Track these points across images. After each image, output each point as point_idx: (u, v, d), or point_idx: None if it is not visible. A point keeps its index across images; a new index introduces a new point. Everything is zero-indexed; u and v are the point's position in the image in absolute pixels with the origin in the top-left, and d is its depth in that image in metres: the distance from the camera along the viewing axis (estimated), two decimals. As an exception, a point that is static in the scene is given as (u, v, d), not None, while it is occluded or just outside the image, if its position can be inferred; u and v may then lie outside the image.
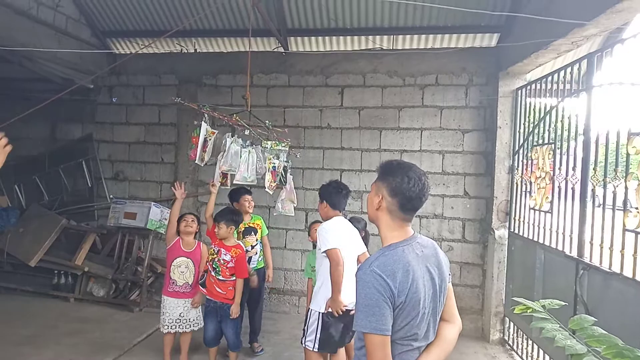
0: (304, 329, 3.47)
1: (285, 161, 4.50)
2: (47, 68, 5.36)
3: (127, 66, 6.22)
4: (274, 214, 4.76)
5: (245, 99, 3.97)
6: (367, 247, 3.97)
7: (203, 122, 3.79)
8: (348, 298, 3.32)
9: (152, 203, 5.90)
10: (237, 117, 3.91)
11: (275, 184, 4.21)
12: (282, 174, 4.41)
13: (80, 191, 6.64)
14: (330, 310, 3.32)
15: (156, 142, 6.38)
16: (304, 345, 3.43)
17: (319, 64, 5.83)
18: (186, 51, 6.24)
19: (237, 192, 4.58)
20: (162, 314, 4.09)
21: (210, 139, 3.85)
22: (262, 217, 4.92)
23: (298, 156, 5.24)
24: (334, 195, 3.51)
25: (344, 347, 3.58)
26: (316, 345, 3.34)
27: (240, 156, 3.87)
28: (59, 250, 5.97)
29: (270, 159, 4.19)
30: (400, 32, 5.68)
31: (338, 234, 3.36)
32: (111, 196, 6.41)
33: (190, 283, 4.08)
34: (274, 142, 4.35)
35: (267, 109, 5.92)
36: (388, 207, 1.76)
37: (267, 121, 4.28)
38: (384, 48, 5.75)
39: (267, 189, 4.16)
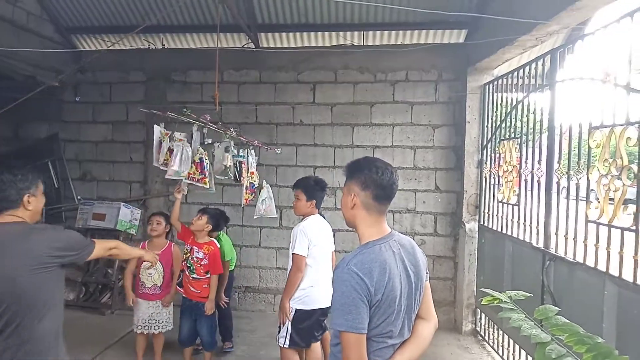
0: (279, 326, 3.49)
1: (240, 155, 4.28)
2: (8, 65, 5.16)
3: (93, 63, 6.03)
4: (254, 217, 4.59)
5: (213, 98, 3.90)
6: None
7: (156, 125, 3.72)
8: (324, 298, 3.35)
9: (122, 203, 5.77)
10: (169, 113, 3.72)
11: (201, 177, 3.90)
12: (236, 169, 4.23)
13: (47, 192, 6.36)
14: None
15: (124, 141, 6.24)
16: (277, 342, 3.46)
17: (290, 60, 5.80)
18: (154, 47, 6.11)
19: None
20: (134, 315, 4.06)
21: (165, 140, 3.77)
22: (227, 239, 4.65)
23: (279, 152, 5.23)
24: (319, 195, 3.56)
25: (319, 342, 3.60)
26: (287, 342, 3.36)
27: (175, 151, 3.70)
28: (25, 253, 5.77)
29: (199, 152, 3.88)
30: (370, 28, 5.71)
31: (313, 237, 3.37)
32: (79, 197, 6.23)
33: (159, 285, 4.01)
34: (225, 135, 4.15)
35: (239, 106, 5.87)
36: (363, 201, 1.77)
37: (184, 109, 3.81)
38: (355, 44, 5.77)
39: (184, 180, 3.87)
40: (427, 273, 1.87)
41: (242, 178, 4.27)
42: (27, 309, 1.94)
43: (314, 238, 3.37)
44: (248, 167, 4.38)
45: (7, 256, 1.92)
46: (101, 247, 2.34)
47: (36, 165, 6.32)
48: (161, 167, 3.81)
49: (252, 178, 4.37)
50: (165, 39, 6.15)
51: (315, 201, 3.52)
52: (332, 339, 1.77)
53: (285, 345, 3.37)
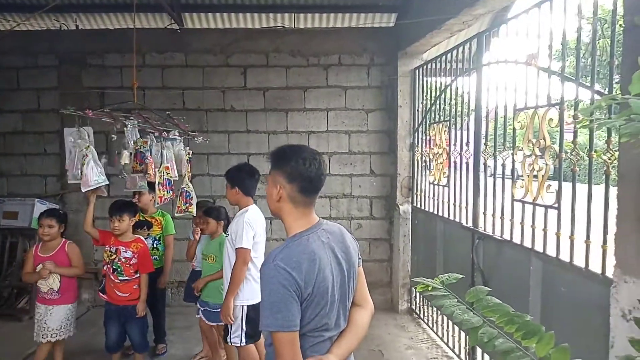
0: (225, 327, 3.31)
1: (144, 149, 3.58)
2: None
3: (-5, 46, 5.42)
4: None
5: (131, 89, 3.55)
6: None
7: (65, 128, 3.33)
8: None
9: (36, 199, 5.28)
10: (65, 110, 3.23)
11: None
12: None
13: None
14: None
15: (37, 132, 5.68)
16: (230, 343, 3.28)
17: (218, 42, 5.53)
18: (67, 28, 5.59)
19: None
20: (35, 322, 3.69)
21: (76, 146, 3.41)
22: (169, 214, 4.44)
23: (202, 141, 4.89)
24: (247, 181, 3.28)
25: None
26: (243, 340, 3.22)
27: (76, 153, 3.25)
28: None
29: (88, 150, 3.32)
30: (301, 11, 5.57)
31: (257, 228, 3.22)
32: (-15, 195, 5.64)
33: (56, 289, 3.63)
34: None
35: (163, 91, 5.53)
36: (289, 194, 1.66)
37: (67, 107, 3.22)
38: (286, 27, 5.61)
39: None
40: (359, 258, 1.81)
41: (148, 175, 3.64)
42: None
43: (258, 230, 3.22)
44: (162, 162, 3.80)
45: None
46: None
47: None
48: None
49: (166, 173, 3.82)
50: (79, 18, 5.64)
51: (239, 189, 3.25)
52: (267, 337, 1.68)
53: (242, 344, 3.22)
